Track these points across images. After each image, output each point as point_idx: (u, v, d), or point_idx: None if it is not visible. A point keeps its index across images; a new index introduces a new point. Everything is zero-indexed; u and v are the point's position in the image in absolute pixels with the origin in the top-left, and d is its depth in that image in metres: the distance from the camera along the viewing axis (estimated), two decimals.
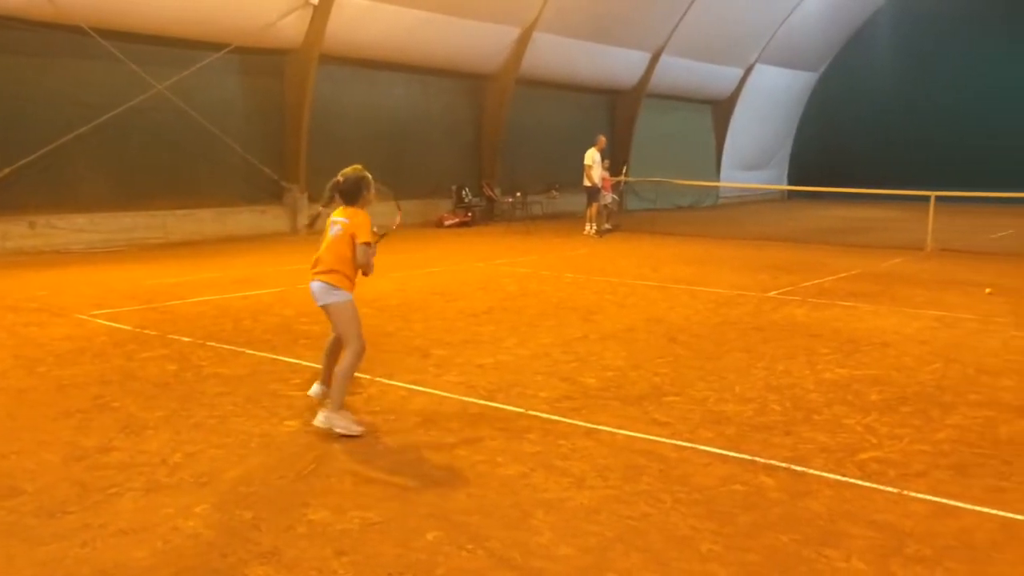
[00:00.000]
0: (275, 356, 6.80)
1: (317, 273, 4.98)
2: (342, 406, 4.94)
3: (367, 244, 4.89)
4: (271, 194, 16.72)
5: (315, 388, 5.35)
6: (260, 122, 16.54)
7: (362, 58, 17.62)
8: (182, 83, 14.79)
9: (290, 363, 6.58)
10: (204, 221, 15.67)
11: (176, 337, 7.45)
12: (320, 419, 4.91)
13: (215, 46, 15.10)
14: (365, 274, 5.00)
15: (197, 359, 6.69)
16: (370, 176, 5.05)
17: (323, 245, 5.02)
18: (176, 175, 15.30)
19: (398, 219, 5.81)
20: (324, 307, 4.99)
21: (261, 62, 16.30)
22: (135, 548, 3.50)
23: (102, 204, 14.26)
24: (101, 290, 9.95)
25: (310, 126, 16.66)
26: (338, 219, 4.97)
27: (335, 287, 4.92)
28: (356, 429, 4.87)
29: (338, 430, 4.84)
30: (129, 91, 14.18)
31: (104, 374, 6.22)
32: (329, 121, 17.36)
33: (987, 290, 9.64)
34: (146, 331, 7.69)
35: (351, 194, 5.00)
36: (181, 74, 14.75)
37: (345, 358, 4.92)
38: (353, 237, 4.90)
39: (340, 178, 5.00)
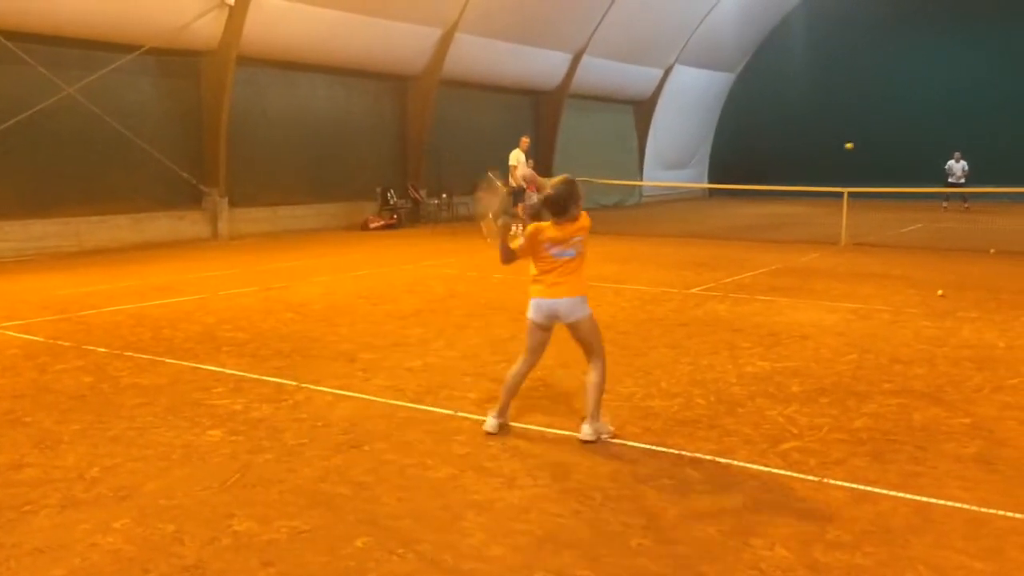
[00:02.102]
0: (197, 365, 6.64)
1: (565, 292, 4.82)
2: (600, 414, 4.90)
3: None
4: (190, 199, 16.31)
5: (491, 423, 4.99)
6: (177, 125, 16.13)
7: (282, 60, 17.33)
8: (93, 86, 14.32)
9: (213, 371, 6.43)
10: (120, 228, 15.19)
11: (92, 348, 7.21)
12: (587, 433, 4.79)
13: (128, 48, 14.65)
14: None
15: (114, 370, 6.48)
16: (579, 187, 4.85)
17: (558, 268, 4.81)
18: (89, 181, 14.79)
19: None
20: (575, 322, 4.85)
21: (176, 64, 15.89)
22: (52, 567, 3.37)
23: (10, 212, 13.69)
24: (11, 301, 9.56)
25: (229, 129, 16.31)
26: (575, 240, 4.78)
27: (583, 302, 4.87)
28: (611, 428, 4.94)
29: (604, 437, 4.84)
30: (37, 94, 13.65)
31: (15, 388, 5.98)
32: (249, 124, 17.04)
33: (939, 292, 9.83)
34: (60, 342, 7.42)
35: (562, 207, 4.75)
36: (92, 76, 14.28)
37: (599, 367, 4.87)
38: (583, 243, 4.85)
39: (551, 191, 4.78)
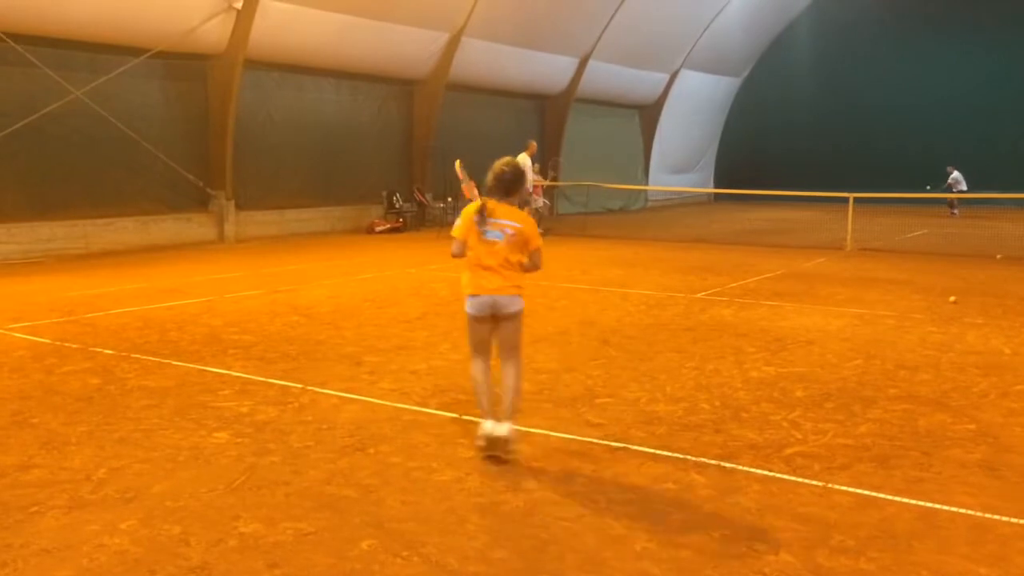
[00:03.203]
0: (203, 367, 6.66)
1: (500, 287, 4.59)
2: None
3: (539, 248, 4.70)
4: (196, 201, 16.37)
5: (490, 425, 4.64)
6: (184, 128, 16.19)
7: (289, 63, 17.39)
8: (101, 89, 14.37)
9: (219, 374, 6.45)
10: (126, 230, 15.24)
11: (99, 350, 7.24)
12: (503, 430, 4.59)
13: (135, 51, 14.72)
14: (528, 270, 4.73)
15: (121, 372, 6.51)
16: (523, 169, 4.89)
17: (484, 249, 4.60)
18: (96, 183, 14.84)
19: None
20: (513, 315, 4.65)
21: (184, 67, 15.95)
22: (58, 568, 3.39)
23: (18, 214, 13.75)
24: (19, 303, 9.61)
25: (236, 132, 16.37)
26: (504, 222, 4.59)
27: (520, 298, 4.67)
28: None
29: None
30: (45, 97, 13.71)
31: (23, 389, 6.01)
32: (256, 127, 17.10)
33: (951, 298, 9.81)
34: (67, 344, 7.46)
35: (511, 186, 4.69)
36: (100, 79, 14.34)
37: (518, 366, 4.73)
38: (528, 242, 4.64)
39: (506, 168, 4.70)
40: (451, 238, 4.78)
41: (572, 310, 9.20)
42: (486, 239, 4.60)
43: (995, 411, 5.51)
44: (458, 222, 4.72)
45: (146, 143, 15.15)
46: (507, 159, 4.80)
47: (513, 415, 4.66)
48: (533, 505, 4.01)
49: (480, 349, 4.77)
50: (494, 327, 4.70)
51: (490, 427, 4.62)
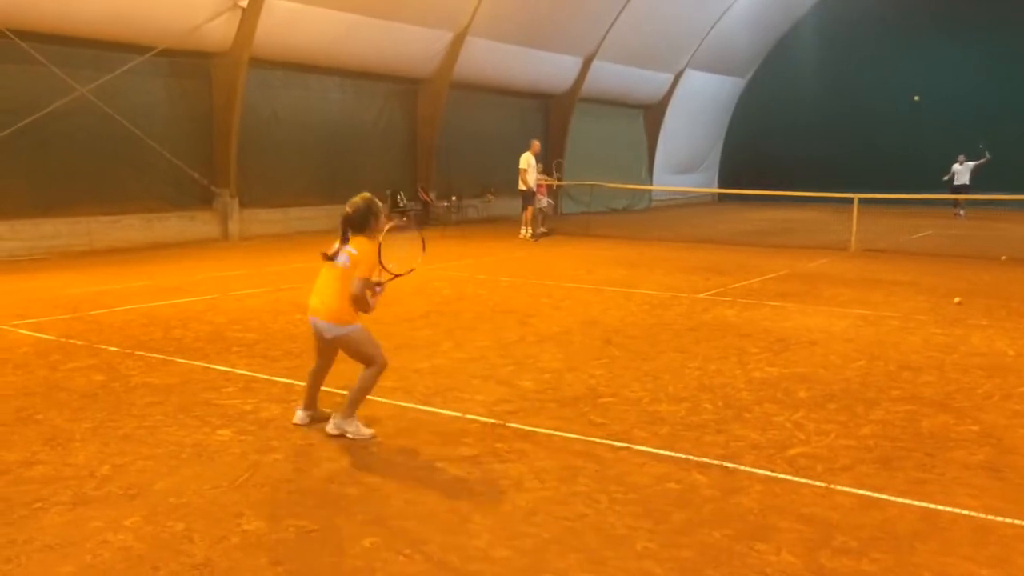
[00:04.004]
0: (207, 364, 6.67)
1: (317, 310, 4.90)
2: (352, 414, 4.95)
3: (365, 279, 4.76)
4: (201, 199, 16.39)
5: (299, 415, 5.21)
6: (188, 126, 16.21)
7: (294, 62, 17.40)
8: (106, 86, 14.40)
9: (223, 371, 6.47)
10: (131, 228, 15.27)
11: (103, 347, 7.26)
12: (330, 426, 4.97)
13: (140, 49, 14.74)
14: (363, 311, 4.82)
15: (125, 369, 6.52)
16: (379, 203, 4.97)
17: (323, 274, 4.92)
18: (101, 181, 14.87)
19: (419, 260, 5.22)
20: (333, 339, 4.91)
21: (189, 65, 15.97)
22: (62, 564, 3.40)
23: (23, 211, 13.78)
24: (23, 299, 9.63)
25: (241, 130, 16.38)
26: (350, 248, 4.84)
27: (338, 325, 4.85)
28: (366, 432, 4.93)
29: (349, 435, 4.89)
30: (50, 95, 13.73)
31: (27, 386, 6.03)
32: (260, 125, 17.11)
33: (956, 300, 9.79)
34: (71, 341, 7.48)
35: (359, 223, 4.87)
36: (105, 77, 14.37)
37: (368, 373, 4.93)
38: (359, 269, 4.77)
39: (349, 209, 4.88)
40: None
41: (575, 310, 9.20)
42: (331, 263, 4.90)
43: (999, 413, 5.50)
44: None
45: (151, 141, 15.17)
46: (354, 199, 4.94)
47: (346, 410, 4.93)
48: (536, 504, 4.01)
49: (315, 353, 5.17)
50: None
51: (298, 416, 5.18)
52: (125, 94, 14.87)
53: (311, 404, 5.21)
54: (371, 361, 4.93)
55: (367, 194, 4.99)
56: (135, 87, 15.10)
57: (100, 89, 14.32)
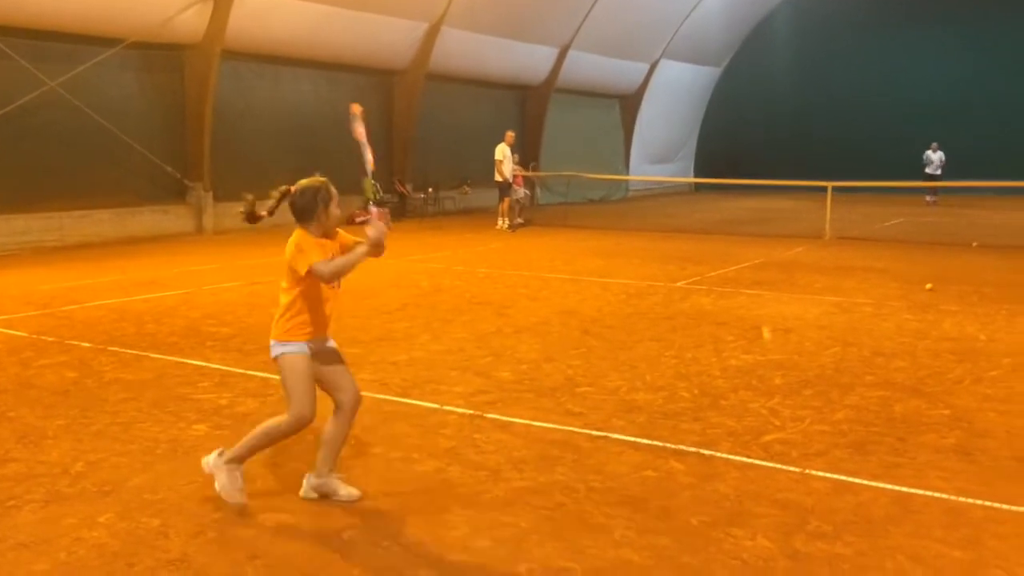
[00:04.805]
0: (181, 359, 6.62)
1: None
2: (231, 463, 3.86)
3: (318, 263, 3.77)
4: (174, 193, 16.23)
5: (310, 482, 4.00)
6: (160, 119, 16.03)
7: (266, 54, 17.25)
8: (76, 80, 14.20)
9: (198, 366, 6.42)
10: (103, 222, 15.10)
11: (75, 343, 7.18)
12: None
13: (111, 41, 14.55)
14: (375, 254, 3.95)
15: (98, 365, 6.46)
16: (332, 190, 3.92)
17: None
18: (72, 175, 14.67)
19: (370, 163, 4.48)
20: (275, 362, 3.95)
21: (160, 58, 15.79)
22: (36, 561, 3.37)
23: None
24: None
25: (214, 123, 16.23)
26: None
27: (277, 341, 3.91)
28: (237, 498, 3.81)
29: (216, 487, 3.83)
30: (19, 89, 13.53)
31: None
32: (234, 118, 16.96)
33: (928, 286, 9.84)
34: (43, 337, 7.39)
35: (301, 211, 3.85)
36: (75, 70, 14.17)
37: (278, 420, 3.87)
38: (291, 272, 3.82)
39: (292, 190, 3.87)
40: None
41: (553, 300, 9.22)
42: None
43: (970, 397, 5.57)
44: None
45: (123, 134, 14.99)
46: (302, 181, 3.93)
47: (234, 452, 3.89)
48: (514, 494, 4.02)
49: None
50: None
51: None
52: (96, 88, 14.69)
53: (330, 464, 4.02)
54: (288, 403, 3.84)
55: (321, 177, 3.98)
56: (106, 80, 14.93)
57: (71, 83, 14.13)
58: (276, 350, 3.91)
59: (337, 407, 3.97)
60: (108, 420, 5.14)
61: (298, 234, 3.84)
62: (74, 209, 14.67)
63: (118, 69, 15.13)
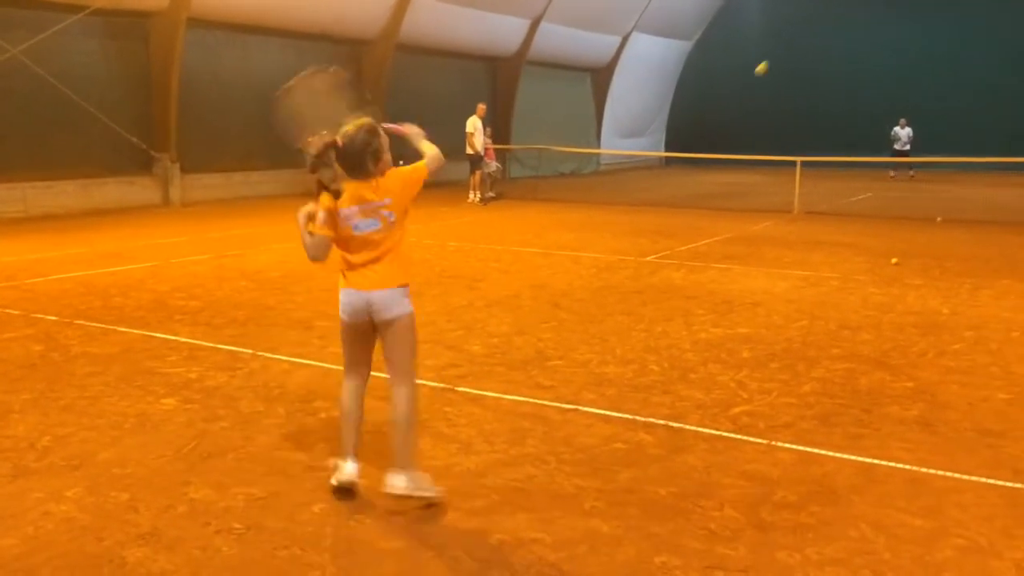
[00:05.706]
0: (149, 333, 6.56)
1: (377, 280, 3.63)
2: (410, 468, 3.63)
3: (427, 162, 3.84)
4: (139, 164, 15.99)
5: (350, 468, 3.71)
6: (125, 89, 15.76)
7: (233, 22, 16.98)
8: (39, 48, 13.90)
9: (166, 340, 6.36)
10: (67, 194, 14.86)
11: (40, 316, 7.09)
12: (400, 485, 3.60)
13: (74, 8, 14.23)
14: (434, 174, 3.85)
15: (64, 338, 6.38)
16: (381, 133, 3.70)
17: (357, 242, 3.65)
18: (36, 145, 14.41)
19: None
20: (389, 322, 3.64)
21: (125, 25, 15.49)
22: (3, 536, 3.34)
23: None
24: None
25: (180, 93, 15.99)
26: (376, 201, 3.62)
27: (403, 290, 3.67)
28: (436, 491, 3.64)
29: (422, 493, 3.60)
30: None
31: None
32: (201, 87, 16.71)
33: (893, 260, 9.95)
34: (7, 310, 7.28)
35: (357, 165, 3.63)
36: (37, 38, 13.85)
37: (409, 398, 3.69)
38: (412, 192, 3.72)
39: (340, 142, 3.61)
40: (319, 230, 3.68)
41: (524, 274, 9.23)
42: (356, 234, 3.65)
43: (933, 370, 5.68)
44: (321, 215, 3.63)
45: (87, 104, 14.72)
46: (346, 127, 3.67)
47: (412, 459, 3.67)
48: (485, 467, 4.05)
49: (352, 366, 3.85)
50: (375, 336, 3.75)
51: (349, 472, 3.69)
52: (59, 56, 14.40)
53: (357, 446, 3.78)
54: (411, 367, 3.71)
55: (366, 118, 3.65)
56: (69, 48, 14.63)
57: (33, 50, 13.82)
58: (407, 303, 3.67)
59: (361, 373, 3.87)
60: (75, 394, 5.09)
61: (394, 174, 3.72)
62: (38, 180, 14.42)
63: (81, 36, 14.82)
